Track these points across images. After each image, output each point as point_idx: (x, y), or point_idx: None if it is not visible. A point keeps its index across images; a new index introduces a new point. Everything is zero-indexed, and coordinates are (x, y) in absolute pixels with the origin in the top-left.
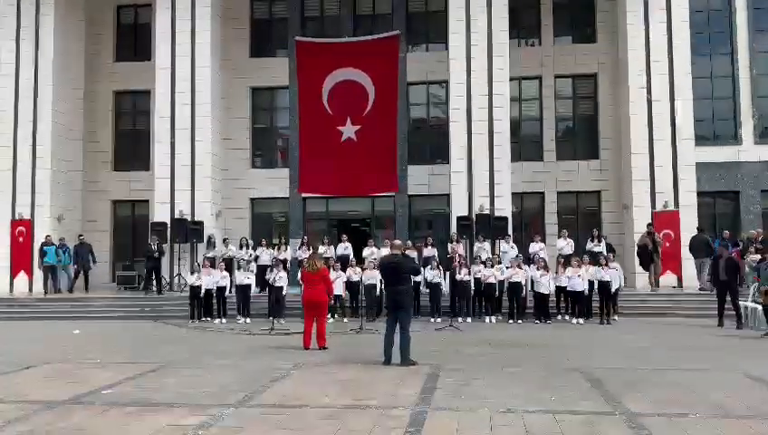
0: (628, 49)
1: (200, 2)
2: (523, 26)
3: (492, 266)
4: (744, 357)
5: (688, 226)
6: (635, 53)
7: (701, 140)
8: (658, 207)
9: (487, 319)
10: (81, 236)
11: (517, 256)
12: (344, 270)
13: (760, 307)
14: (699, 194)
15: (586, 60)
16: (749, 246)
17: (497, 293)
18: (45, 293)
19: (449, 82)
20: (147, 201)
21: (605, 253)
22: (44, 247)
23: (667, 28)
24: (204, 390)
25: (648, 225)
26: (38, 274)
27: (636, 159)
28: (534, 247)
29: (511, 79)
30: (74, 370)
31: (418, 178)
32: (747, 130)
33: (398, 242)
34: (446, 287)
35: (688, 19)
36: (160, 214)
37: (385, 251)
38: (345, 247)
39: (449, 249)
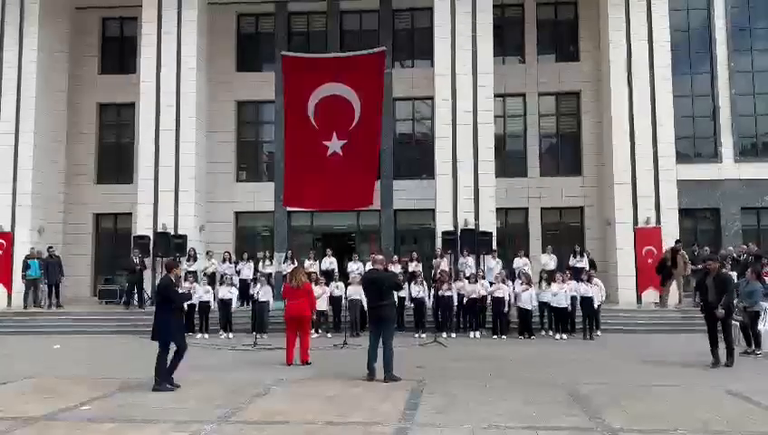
0: (610, 68)
1: (186, 15)
2: (507, 44)
3: (476, 281)
4: (726, 373)
5: (670, 242)
6: (617, 71)
7: (682, 157)
8: (640, 224)
9: (471, 334)
10: (50, 248)
11: (501, 271)
12: (329, 285)
13: (738, 324)
14: (680, 211)
15: (569, 78)
16: (724, 263)
17: (481, 308)
18: (25, 307)
19: (434, 99)
20: (129, 214)
21: (587, 268)
22: (28, 260)
23: (649, 47)
24: (185, 406)
25: (677, 241)
26: (18, 287)
27: (618, 176)
28: (518, 263)
29: (495, 96)
30: (54, 385)
31: (404, 193)
32: (727, 148)
33: (379, 257)
34: (429, 302)
35: (669, 38)
36: (143, 227)
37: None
38: (330, 262)
39: (434, 264)
